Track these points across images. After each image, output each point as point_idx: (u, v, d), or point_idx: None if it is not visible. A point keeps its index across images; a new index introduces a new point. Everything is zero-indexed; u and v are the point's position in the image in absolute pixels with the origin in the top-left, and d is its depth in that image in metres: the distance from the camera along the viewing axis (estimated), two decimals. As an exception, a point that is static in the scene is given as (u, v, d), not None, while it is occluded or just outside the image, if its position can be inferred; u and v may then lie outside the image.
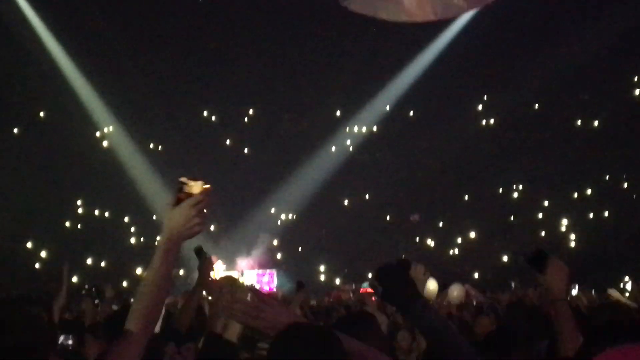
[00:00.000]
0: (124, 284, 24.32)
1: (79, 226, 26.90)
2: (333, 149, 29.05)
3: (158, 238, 2.71)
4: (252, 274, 26.62)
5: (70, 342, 6.97)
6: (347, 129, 29.33)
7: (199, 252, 5.73)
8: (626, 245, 24.90)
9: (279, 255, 28.34)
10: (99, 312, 8.60)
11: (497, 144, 28.38)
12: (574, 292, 15.62)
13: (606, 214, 27.55)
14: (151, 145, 27.67)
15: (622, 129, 27.18)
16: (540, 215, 28.36)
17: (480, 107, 29.40)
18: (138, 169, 27.07)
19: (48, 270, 24.15)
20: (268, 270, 27.41)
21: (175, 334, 5.63)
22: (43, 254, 25.06)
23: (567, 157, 27.49)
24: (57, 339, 4.75)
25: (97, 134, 27.57)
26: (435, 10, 13.72)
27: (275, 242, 28.32)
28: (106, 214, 27.33)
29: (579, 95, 28.68)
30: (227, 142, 29.18)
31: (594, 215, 27.79)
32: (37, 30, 24.85)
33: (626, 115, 27.13)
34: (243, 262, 27.05)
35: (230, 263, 25.85)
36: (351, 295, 20.67)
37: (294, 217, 28.85)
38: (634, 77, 28.24)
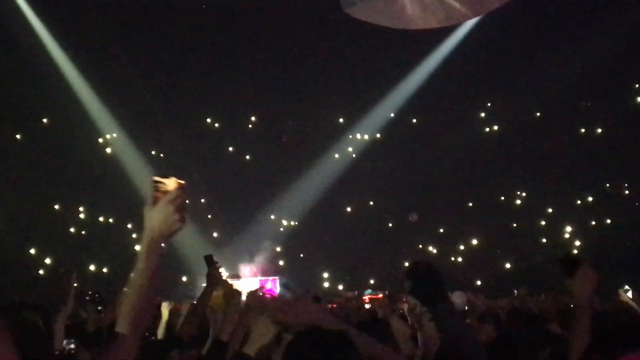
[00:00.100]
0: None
1: (82, 232, 26.91)
2: (336, 155, 29.07)
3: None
4: (255, 281, 26.59)
5: (72, 346, 6.99)
6: (350, 136, 29.34)
7: (210, 260, 5.73)
8: (628, 252, 24.86)
9: (281, 262, 28.34)
10: (102, 318, 8.60)
11: (499, 151, 28.38)
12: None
13: (608, 221, 27.53)
14: (153, 152, 27.67)
15: (624, 136, 27.17)
16: (542, 223, 28.34)
17: (482, 114, 29.42)
18: (141, 175, 27.08)
19: (52, 276, 24.19)
20: (271, 277, 27.38)
21: (179, 341, 5.63)
22: (47, 260, 25.07)
23: (569, 164, 27.48)
24: (52, 344, 4.74)
25: (101, 140, 27.60)
26: (438, 18, 13.70)
27: (278, 249, 28.32)
28: (110, 220, 27.34)
29: (581, 102, 28.70)
30: (230, 149, 29.21)
31: (596, 223, 27.76)
32: (41, 37, 24.89)
33: (628, 122, 27.12)
34: (246, 269, 27.03)
35: (233, 270, 25.82)
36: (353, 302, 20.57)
37: (297, 224, 28.85)
38: (636, 84, 28.24)
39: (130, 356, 2.52)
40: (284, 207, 28.45)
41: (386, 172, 28.83)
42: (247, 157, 29.28)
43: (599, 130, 28.58)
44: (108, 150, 27.64)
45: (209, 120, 29.02)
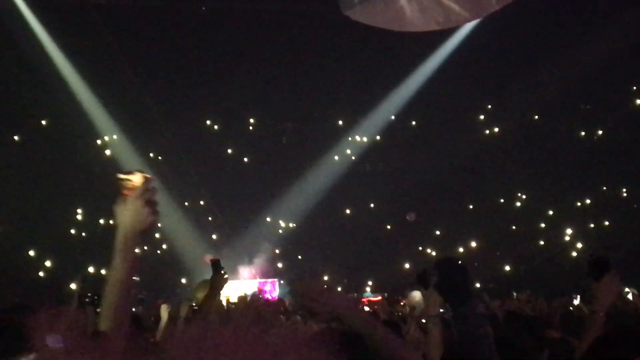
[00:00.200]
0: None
1: (83, 234, 26.89)
2: (336, 158, 29.08)
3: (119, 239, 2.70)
4: (254, 283, 26.59)
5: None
6: (350, 139, 29.34)
7: (217, 265, 5.73)
8: (628, 255, 24.85)
9: (280, 265, 28.36)
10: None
11: (499, 153, 28.39)
12: (576, 302, 15.58)
13: (608, 223, 27.53)
14: (151, 155, 27.66)
15: (624, 139, 27.18)
16: (542, 225, 28.35)
17: (482, 117, 29.42)
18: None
19: (51, 278, 24.19)
20: (270, 280, 27.40)
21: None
22: (47, 262, 25.04)
23: (570, 167, 27.50)
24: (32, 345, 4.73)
25: (99, 142, 27.58)
26: (438, 20, 13.68)
27: (277, 251, 28.36)
28: (110, 222, 27.30)
29: (580, 105, 28.71)
30: (229, 151, 29.22)
31: (596, 225, 27.78)
32: (40, 38, 24.85)
33: (629, 124, 27.14)
34: (245, 271, 27.05)
35: (232, 272, 25.82)
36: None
37: (296, 226, 28.86)
38: (634, 86, 28.25)
39: (117, 354, 2.51)
40: (283, 209, 28.48)
41: (385, 175, 28.85)
42: (246, 159, 29.29)
43: (600, 132, 28.59)
44: (107, 152, 27.61)
45: (208, 122, 29.01)
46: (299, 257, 28.70)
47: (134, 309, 13.25)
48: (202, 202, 28.33)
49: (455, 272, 2.98)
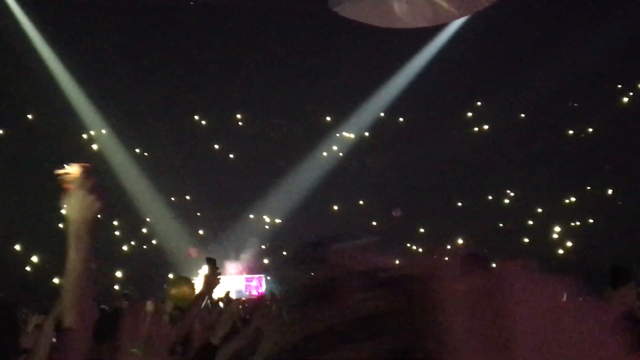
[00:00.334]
0: (116, 287, 24.30)
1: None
2: (324, 154, 29.05)
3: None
4: (241, 278, 26.56)
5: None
6: (337, 135, 29.31)
7: (212, 263, 5.71)
8: (616, 253, 24.91)
9: (266, 261, 28.32)
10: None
11: (488, 150, 28.40)
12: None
13: (596, 222, 27.60)
14: (137, 150, 27.57)
15: (613, 137, 27.26)
16: (530, 222, 28.41)
17: (471, 114, 29.45)
18: (128, 172, 26.99)
19: (37, 273, 24.08)
20: (256, 275, 27.36)
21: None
22: (34, 258, 24.91)
23: (558, 164, 27.55)
24: (16, 340, 4.72)
25: (85, 136, 27.44)
26: (426, 17, 13.68)
27: (263, 247, 28.32)
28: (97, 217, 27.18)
29: (569, 103, 28.76)
30: (216, 146, 29.14)
31: (584, 223, 27.85)
32: (27, 32, 24.72)
33: (616, 122, 27.22)
34: (231, 267, 26.99)
35: (218, 267, 25.76)
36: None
37: (283, 222, 28.82)
38: (619, 84, 28.32)
39: (84, 347, 2.49)
40: (270, 205, 28.43)
41: (373, 171, 28.84)
42: (234, 154, 29.21)
43: (589, 130, 28.66)
44: (94, 146, 27.48)
45: (196, 117, 28.94)
46: (287, 253, 28.64)
47: (117, 304, 13.19)
48: (187, 197, 28.25)
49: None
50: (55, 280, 19.70)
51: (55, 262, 23.95)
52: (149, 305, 7.50)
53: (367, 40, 23.89)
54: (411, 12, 13.37)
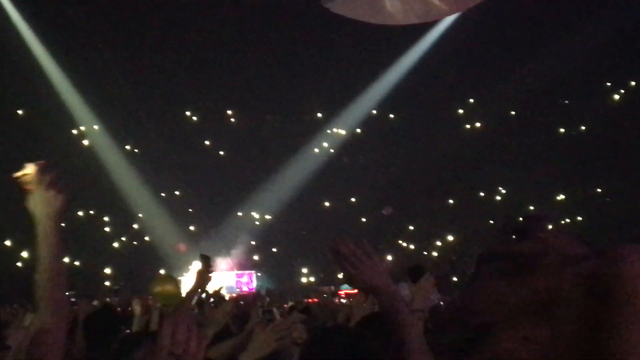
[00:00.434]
0: (107, 283, 24.29)
1: (62, 224, 26.64)
2: (316, 150, 29.07)
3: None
4: (231, 275, 26.56)
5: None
6: (329, 131, 29.32)
7: (206, 259, 5.70)
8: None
9: (257, 257, 28.32)
10: (74, 311, 8.50)
11: (480, 147, 28.45)
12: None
13: (585, 219, 27.68)
14: (127, 147, 27.54)
15: (603, 135, 27.34)
16: (521, 219, 28.45)
17: (462, 111, 29.49)
18: (119, 168, 26.95)
19: (28, 269, 23.99)
20: (247, 272, 27.36)
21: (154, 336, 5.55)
22: (24, 254, 24.84)
23: (550, 162, 27.62)
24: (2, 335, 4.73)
25: (75, 132, 27.37)
26: (418, 13, 13.67)
27: (253, 243, 28.31)
28: (91, 212, 27.16)
29: (560, 100, 28.82)
30: (207, 142, 29.12)
31: (572, 220, 27.92)
32: (18, 27, 24.61)
33: (607, 121, 27.30)
34: (222, 263, 26.97)
35: (212, 264, 25.73)
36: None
37: (274, 218, 28.81)
38: (612, 83, 28.41)
39: (60, 343, 2.50)
40: (261, 202, 28.41)
41: (365, 168, 28.85)
42: (225, 150, 29.19)
43: (580, 129, 28.76)
44: (85, 142, 27.43)
45: (187, 113, 28.92)
46: (274, 249, 28.70)
47: (107, 300, 13.18)
48: (177, 192, 28.23)
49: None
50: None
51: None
52: (136, 303, 7.47)
53: (358, 37, 23.88)
54: (403, 9, 13.36)
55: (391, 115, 29.39)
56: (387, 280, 2.36)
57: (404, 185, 27.81)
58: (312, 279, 27.94)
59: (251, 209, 28.68)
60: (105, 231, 27.30)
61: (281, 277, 27.41)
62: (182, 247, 26.42)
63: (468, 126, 29.42)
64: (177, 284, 7.85)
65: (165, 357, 1.42)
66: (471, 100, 29.27)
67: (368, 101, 28.50)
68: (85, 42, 24.43)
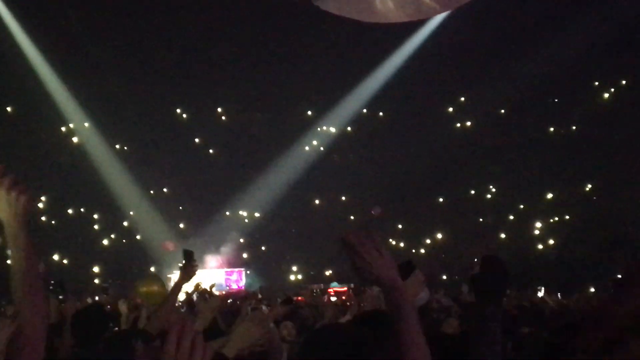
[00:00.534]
0: (96, 281, 24.26)
1: (52, 222, 26.60)
2: (306, 148, 29.07)
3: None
4: (221, 272, 26.54)
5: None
6: (319, 129, 29.32)
7: (189, 254, 5.66)
8: (594, 250, 25.07)
9: (247, 254, 28.31)
10: (64, 308, 8.48)
11: (470, 145, 28.47)
12: (540, 294, 15.68)
13: (576, 218, 27.73)
14: (117, 146, 27.49)
15: (593, 134, 27.39)
16: (511, 217, 28.52)
17: (451, 109, 29.54)
18: (108, 166, 26.88)
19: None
20: (236, 269, 27.36)
21: (144, 335, 5.54)
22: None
23: (540, 161, 27.68)
24: None
25: (64, 129, 27.30)
26: (408, 12, 13.66)
27: (242, 240, 28.30)
28: (81, 209, 27.11)
29: (549, 100, 28.87)
30: (197, 140, 29.09)
31: (560, 219, 27.98)
32: (8, 25, 24.50)
33: (597, 119, 27.36)
34: (212, 260, 26.96)
35: (199, 261, 25.66)
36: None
37: (263, 216, 28.80)
38: (597, 82, 28.46)
39: (41, 342, 2.49)
40: (251, 199, 28.39)
41: (355, 166, 28.86)
42: (215, 148, 29.17)
43: (570, 127, 28.82)
44: (75, 139, 27.35)
45: (178, 110, 28.89)
46: (264, 247, 28.70)
47: (97, 298, 13.14)
48: (166, 190, 28.19)
49: (495, 269, 2.98)
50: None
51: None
52: (121, 304, 7.46)
53: (348, 35, 23.87)
54: (393, 7, 13.35)
55: (381, 114, 29.41)
56: (395, 274, 2.36)
57: (394, 184, 27.81)
58: (300, 276, 27.94)
59: (241, 207, 28.67)
60: (95, 229, 27.24)
61: (270, 274, 27.41)
62: (169, 245, 26.37)
63: (458, 125, 29.45)
64: (162, 283, 7.85)
65: None
66: (461, 99, 29.30)
67: (358, 99, 28.50)
68: (75, 39, 24.36)
